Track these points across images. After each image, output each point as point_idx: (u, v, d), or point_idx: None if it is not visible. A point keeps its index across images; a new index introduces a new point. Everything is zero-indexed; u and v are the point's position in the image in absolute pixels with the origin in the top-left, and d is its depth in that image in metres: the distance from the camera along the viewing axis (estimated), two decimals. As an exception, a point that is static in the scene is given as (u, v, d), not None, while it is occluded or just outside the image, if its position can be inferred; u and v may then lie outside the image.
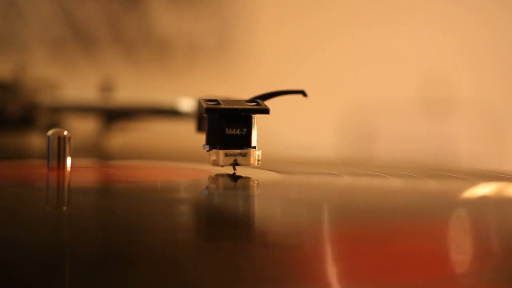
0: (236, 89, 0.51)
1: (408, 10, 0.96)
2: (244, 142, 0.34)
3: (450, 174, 0.42)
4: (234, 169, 0.35)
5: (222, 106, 0.34)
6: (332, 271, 0.20)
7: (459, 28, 0.96)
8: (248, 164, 0.34)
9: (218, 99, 0.34)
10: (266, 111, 0.34)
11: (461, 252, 0.22)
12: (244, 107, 0.34)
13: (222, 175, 0.36)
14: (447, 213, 0.28)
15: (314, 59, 0.97)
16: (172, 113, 0.62)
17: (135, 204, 0.29)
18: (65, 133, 0.35)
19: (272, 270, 0.20)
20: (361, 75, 0.96)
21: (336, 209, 0.29)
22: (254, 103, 0.34)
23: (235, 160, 0.34)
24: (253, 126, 0.34)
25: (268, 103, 0.35)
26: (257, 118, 0.34)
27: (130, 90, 0.65)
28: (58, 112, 0.65)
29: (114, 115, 0.64)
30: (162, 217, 0.26)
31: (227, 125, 0.34)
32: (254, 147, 0.34)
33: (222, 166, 0.34)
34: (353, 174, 0.40)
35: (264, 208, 0.29)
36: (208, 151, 0.34)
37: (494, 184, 0.38)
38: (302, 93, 0.36)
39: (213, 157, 0.34)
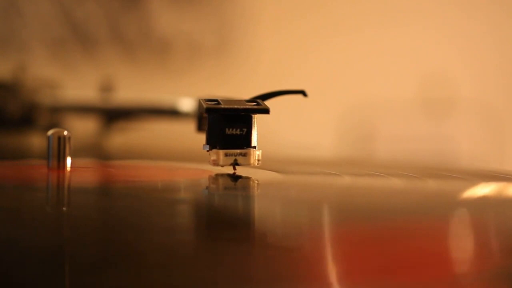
0: (236, 89, 0.51)
1: (408, 10, 0.96)
2: (244, 142, 0.34)
3: (450, 174, 0.42)
4: (234, 169, 0.35)
5: (222, 106, 0.34)
6: (332, 271, 0.20)
7: (459, 28, 0.96)
8: (248, 164, 0.34)
9: (218, 99, 0.34)
10: (266, 111, 0.34)
11: (461, 252, 0.22)
12: (244, 107, 0.34)
13: (222, 175, 0.36)
14: (447, 213, 0.28)
15: (314, 59, 0.97)
16: (172, 113, 0.62)
17: (135, 204, 0.29)
18: (65, 133, 0.35)
19: (272, 270, 0.20)
20: (361, 75, 0.96)
21: (336, 209, 0.29)
22: (254, 103, 0.34)
23: (235, 160, 0.34)
24: (253, 126, 0.34)
25: (268, 103, 0.35)
26: (257, 118, 0.34)
27: (130, 90, 0.65)
28: (58, 112, 0.65)
29: (114, 115, 0.64)
30: (162, 217, 0.26)
31: (227, 125, 0.34)
32: (254, 147, 0.34)
33: (222, 166, 0.34)
34: (353, 174, 0.40)
35: (264, 208, 0.29)
36: (208, 151, 0.34)
37: (494, 184, 0.38)
38: (302, 93, 0.36)
39: (213, 157, 0.34)
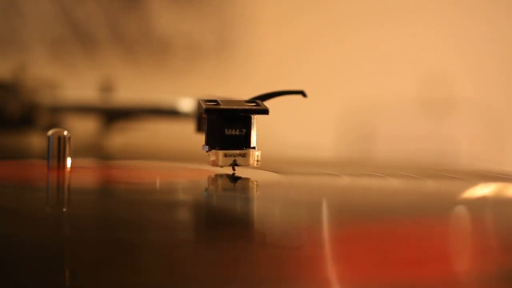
0: (236, 89, 0.51)
1: (408, 10, 0.96)
2: (244, 142, 0.34)
3: (450, 174, 0.42)
4: (234, 169, 0.35)
5: (222, 107, 0.34)
6: (331, 271, 0.20)
7: (459, 28, 0.96)
8: (247, 165, 0.34)
9: (218, 99, 0.34)
10: (265, 111, 0.34)
11: (460, 252, 0.22)
12: (244, 107, 0.34)
13: (221, 175, 0.36)
14: (447, 213, 0.28)
15: (314, 59, 0.97)
16: (172, 113, 0.62)
17: (135, 204, 0.29)
18: (65, 133, 0.35)
19: (272, 270, 0.20)
20: (361, 75, 0.95)
21: (336, 209, 0.29)
22: (253, 104, 0.34)
23: (235, 160, 0.34)
24: (252, 127, 0.34)
25: (268, 103, 0.35)
26: (256, 119, 0.34)
27: (130, 90, 0.65)
28: (58, 112, 0.65)
29: (114, 115, 0.64)
30: (162, 218, 0.26)
31: (226, 125, 0.34)
32: (254, 148, 0.34)
33: (221, 167, 0.34)
34: (353, 174, 0.40)
35: (264, 209, 0.29)
36: (207, 151, 0.34)
37: (494, 184, 0.38)
38: (302, 93, 0.36)
39: (213, 158, 0.34)
